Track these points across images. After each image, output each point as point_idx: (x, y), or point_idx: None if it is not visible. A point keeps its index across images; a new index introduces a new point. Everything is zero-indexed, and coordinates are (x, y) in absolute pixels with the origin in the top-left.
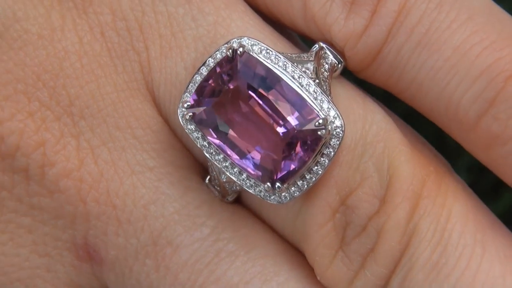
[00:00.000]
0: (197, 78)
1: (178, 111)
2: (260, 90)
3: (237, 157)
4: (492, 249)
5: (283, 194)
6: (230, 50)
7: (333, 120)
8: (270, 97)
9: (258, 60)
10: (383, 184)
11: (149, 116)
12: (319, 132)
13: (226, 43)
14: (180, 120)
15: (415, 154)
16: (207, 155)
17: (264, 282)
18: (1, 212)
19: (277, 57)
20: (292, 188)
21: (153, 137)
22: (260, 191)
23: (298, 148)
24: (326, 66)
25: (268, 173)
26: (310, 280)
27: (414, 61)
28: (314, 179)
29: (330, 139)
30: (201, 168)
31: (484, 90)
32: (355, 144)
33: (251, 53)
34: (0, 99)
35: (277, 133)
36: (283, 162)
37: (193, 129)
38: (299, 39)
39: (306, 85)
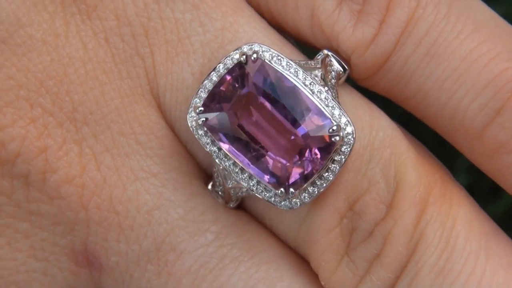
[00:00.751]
0: (207, 83)
1: (188, 116)
2: (273, 96)
3: (249, 162)
4: (495, 255)
5: (293, 200)
6: (244, 56)
7: (344, 127)
8: (283, 103)
9: (271, 66)
10: (390, 190)
11: (153, 122)
12: (332, 139)
13: (237, 49)
14: (190, 125)
15: (421, 161)
16: (216, 160)
17: (268, 287)
18: None
19: (288, 63)
20: (304, 194)
21: (157, 143)
22: (271, 197)
23: (310, 154)
24: (333, 73)
25: (280, 179)
26: (313, 286)
27: (421, 71)
28: (325, 185)
29: (342, 145)
30: (204, 174)
31: (491, 100)
32: (363, 150)
33: (263, 59)
34: (2, 105)
35: (290, 139)
36: (295, 168)
37: (203, 134)
38: (294, 45)
39: (318, 92)
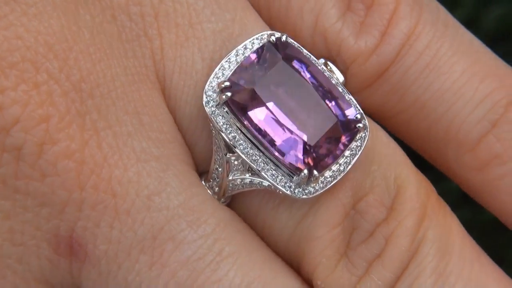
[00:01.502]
0: (225, 64)
1: (204, 94)
2: (303, 75)
3: (272, 142)
4: (487, 267)
5: (308, 188)
6: (273, 37)
7: (364, 120)
8: (313, 85)
9: (298, 50)
10: (391, 194)
11: (156, 104)
12: (357, 125)
13: (255, 37)
14: (206, 104)
15: (417, 170)
16: (231, 143)
17: (264, 285)
18: None
19: (307, 54)
20: (320, 183)
21: (158, 126)
22: (286, 183)
23: (336, 139)
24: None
25: (304, 161)
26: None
27: (420, 82)
28: (338, 176)
29: (359, 138)
30: (197, 168)
31: (487, 112)
32: (367, 152)
33: (290, 43)
34: (5, 66)
35: (322, 118)
36: (320, 151)
37: (220, 114)
38: None
39: (336, 84)
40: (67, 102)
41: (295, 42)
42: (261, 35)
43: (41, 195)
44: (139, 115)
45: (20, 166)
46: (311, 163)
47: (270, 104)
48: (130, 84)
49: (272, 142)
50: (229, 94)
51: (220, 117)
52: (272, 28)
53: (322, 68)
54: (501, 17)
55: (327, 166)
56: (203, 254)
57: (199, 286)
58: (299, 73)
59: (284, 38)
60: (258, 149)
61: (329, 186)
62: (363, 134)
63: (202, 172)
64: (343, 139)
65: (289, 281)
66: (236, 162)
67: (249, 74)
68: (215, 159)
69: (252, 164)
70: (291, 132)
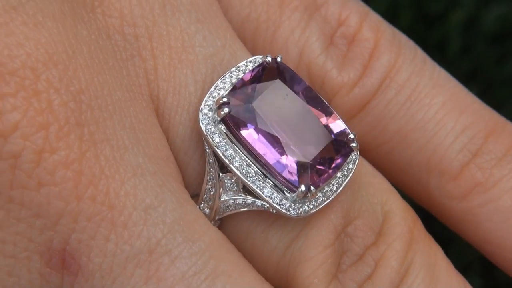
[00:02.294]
0: (220, 84)
1: (200, 113)
2: (300, 95)
3: (271, 158)
4: None
5: (302, 207)
6: (269, 58)
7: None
8: (309, 103)
9: (293, 71)
10: (379, 219)
11: (150, 122)
12: (352, 145)
13: (249, 60)
14: (201, 122)
15: (402, 199)
16: (226, 161)
17: None
18: None
19: (301, 77)
20: (313, 202)
21: (153, 144)
22: (281, 200)
23: (330, 158)
24: None
25: (303, 177)
26: None
27: (403, 113)
28: (330, 196)
29: (350, 160)
30: (188, 189)
31: (468, 142)
32: (355, 177)
33: (284, 64)
34: (5, 72)
35: (316, 139)
36: (316, 169)
37: (215, 131)
38: None
39: (328, 106)
40: (66, 111)
41: (288, 66)
42: (254, 58)
43: (36, 206)
44: (135, 131)
45: (16, 175)
46: (307, 181)
47: (267, 122)
48: (127, 100)
49: (268, 159)
50: (226, 110)
51: (216, 134)
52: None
53: (316, 91)
54: (501, 17)
55: (321, 184)
56: (199, 270)
57: None
58: (295, 92)
59: (279, 59)
60: (255, 166)
61: (322, 205)
62: (354, 157)
63: (192, 195)
64: (337, 158)
65: None
66: (229, 182)
67: (245, 93)
68: (207, 180)
69: (248, 182)
70: (288, 149)
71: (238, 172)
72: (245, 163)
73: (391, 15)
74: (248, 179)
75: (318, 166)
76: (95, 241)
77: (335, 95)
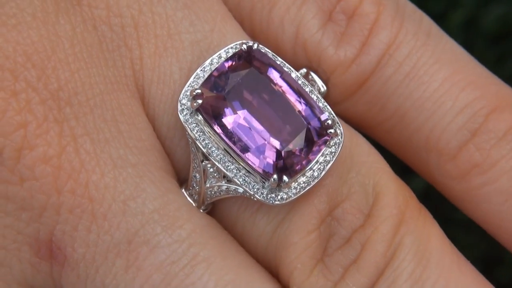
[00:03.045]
0: (200, 73)
1: (179, 102)
2: (272, 85)
3: (241, 149)
4: (467, 273)
5: (280, 194)
6: (245, 46)
7: (338, 125)
8: (283, 92)
9: (270, 58)
10: (369, 200)
11: (134, 113)
12: (329, 131)
13: (230, 46)
14: (180, 112)
15: (397, 177)
16: (204, 150)
17: None
18: None
19: (282, 62)
20: (291, 189)
21: (136, 134)
22: (258, 189)
23: (308, 145)
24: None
25: (273, 167)
26: None
27: (401, 91)
28: (311, 182)
29: (333, 144)
30: (177, 176)
31: (467, 121)
32: (344, 159)
33: (263, 51)
34: None
35: (287, 128)
36: (290, 157)
37: (193, 122)
38: None
39: (310, 92)
40: (44, 109)
41: (268, 51)
42: (235, 44)
43: (20, 200)
44: (117, 123)
45: (0, 171)
46: (282, 169)
47: (241, 111)
48: (109, 93)
49: (243, 148)
50: (200, 101)
51: (194, 124)
52: (254, 40)
53: (296, 76)
54: (501, 17)
55: (298, 172)
56: (177, 258)
57: None
58: (271, 80)
59: (255, 46)
60: (231, 155)
61: (302, 192)
62: (337, 140)
63: (184, 179)
64: (314, 146)
65: (265, 286)
66: (212, 170)
67: (222, 82)
68: (193, 167)
69: (225, 171)
70: (262, 138)
71: (215, 162)
72: (221, 153)
73: None
74: (226, 168)
75: (293, 155)
76: (77, 232)
77: (332, 73)
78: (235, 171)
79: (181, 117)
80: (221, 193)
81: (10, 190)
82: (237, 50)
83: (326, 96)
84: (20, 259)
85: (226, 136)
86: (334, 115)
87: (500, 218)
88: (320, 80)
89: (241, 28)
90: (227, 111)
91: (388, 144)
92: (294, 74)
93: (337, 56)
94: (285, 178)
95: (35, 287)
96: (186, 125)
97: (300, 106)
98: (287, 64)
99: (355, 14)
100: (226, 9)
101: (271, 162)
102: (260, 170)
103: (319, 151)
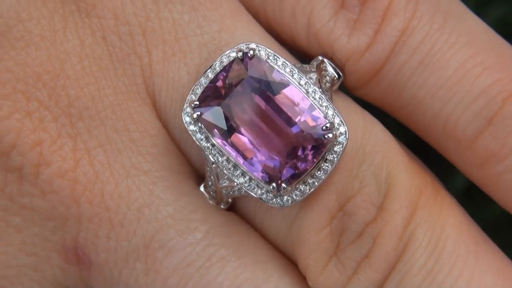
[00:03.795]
0: (203, 80)
1: (182, 112)
2: (268, 93)
3: (242, 158)
4: (484, 259)
5: (285, 197)
6: (240, 53)
7: (337, 127)
8: (278, 101)
9: (267, 64)
10: (381, 192)
11: (146, 119)
12: (326, 136)
13: (232, 50)
14: (184, 120)
15: (412, 165)
16: (210, 157)
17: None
18: None
19: (284, 63)
20: (295, 192)
21: (149, 141)
22: (262, 194)
23: (303, 152)
24: (328, 78)
25: (273, 175)
26: (300, 287)
27: (415, 79)
28: (316, 183)
29: (334, 145)
30: (196, 174)
31: (483, 109)
32: (355, 152)
33: (260, 57)
34: None
35: (284, 136)
36: (288, 165)
37: (197, 130)
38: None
39: (312, 92)
40: (57, 126)
41: (270, 51)
42: (232, 50)
43: (44, 211)
44: (129, 132)
45: (23, 185)
46: (277, 178)
47: (234, 124)
48: (120, 103)
49: (243, 157)
50: (198, 113)
51: (198, 133)
52: (271, 32)
53: (299, 76)
54: (501, 17)
55: (299, 178)
56: (192, 261)
57: None
58: (263, 91)
59: (251, 53)
60: (234, 163)
61: (307, 194)
62: (341, 140)
63: (203, 176)
64: (311, 151)
65: (281, 282)
66: (222, 172)
67: (216, 93)
68: (207, 168)
69: (231, 177)
70: (256, 149)
71: (221, 167)
72: (225, 159)
73: None
74: (231, 174)
75: (288, 163)
76: (99, 239)
77: (347, 61)
78: (239, 177)
79: (185, 125)
80: (235, 193)
81: (35, 202)
82: (232, 59)
83: (343, 83)
84: (51, 265)
85: (226, 146)
86: (338, 114)
87: None
88: (333, 69)
89: (253, 21)
90: (221, 124)
91: (409, 127)
92: (296, 75)
93: (349, 45)
94: (283, 185)
95: (68, 286)
96: (191, 133)
97: (294, 116)
98: (289, 65)
99: (368, 0)
100: (237, 2)
101: (269, 171)
102: (259, 178)
103: (319, 155)
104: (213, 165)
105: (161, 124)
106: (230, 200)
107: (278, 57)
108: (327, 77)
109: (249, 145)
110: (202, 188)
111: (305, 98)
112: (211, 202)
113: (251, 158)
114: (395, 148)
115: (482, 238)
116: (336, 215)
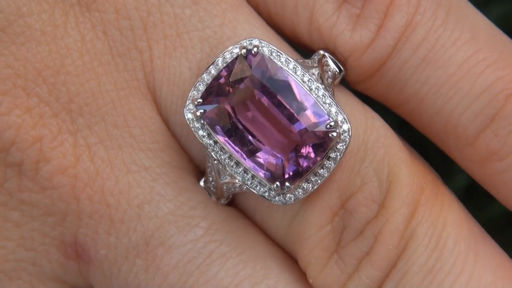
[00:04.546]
0: (205, 77)
1: (185, 109)
2: (271, 90)
3: (245, 156)
4: (484, 257)
5: (288, 195)
6: (244, 50)
7: (341, 125)
8: (281, 98)
9: (270, 60)
10: (383, 190)
11: (147, 115)
12: (329, 135)
13: (236, 43)
14: (186, 117)
15: (414, 162)
16: (212, 154)
17: (254, 284)
18: None
19: (287, 59)
20: (298, 190)
21: (150, 137)
22: (265, 192)
23: (307, 150)
24: (329, 73)
25: (276, 173)
26: (300, 284)
27: (417, 76)
28: (319, 181)
29: (338, 143)
30: (196, 170)
31: (485, 107)
32: (357, 149)
33: (262, 54)
34: None
35: (288, 133)
36: (292, 163)
37: (199, 127)
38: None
39: (316, 89)
40: (58, 122)
41: (273, 48)
42: (234, 47)
43: (44, 206)
44: (130, 128)
45: (23, 180)
46: (281, 176)
47: (237, 122)
48: (120, 99)
49: (245, 155)
50: (202, 111)
51: (200, 130)
52: (272, 24)
53: (302, 73)
54: (501, 17)
55: (302, 176)
56: (193, 257)
57: (190, 287)
58: (266, 88)
59: (255, 50)
60: (236, 160)
61: (309, 192)
62: (344, 138)
63: (203, 171)
64: (309, 151)
65: (282, 278)
66: (223, 169)
67: (219, 91)
68: (207, 164)
69: (233, 174)
70: (262, 147)
71: (223, 164)
72: (228, 157)
73: None
74: (233, 171)
75: (292, 161)
76: (98, 235)
77: (349, 57)
78: (242, 174)
79: (188, 122)
80: (236, 189)
81: (34, 197)
82: (235, 56)
83: (344, 77)
84: (50, 260)
85: (229, 143)
86: (341, 111)
87: None
88: (334, 64)
89: (255, 14)
90: (225, 122)
91: (411, 123)
92: (299, 72)
93: (352, 40)
94: (287, 184)
95: (67, 281)
96: (193, 130)
97: (297, 114)
98: (292, 61)
99: None
100: None
101: (272, 169)
102: (262, 176)
103: (322, 153)
104: (215, 161)
105: (161, 120)
106: (230, 196)
107: (281, 54)
108: (329, 72)
109: (252, 143)
110: (202, 183)
111: (308, 95)
112: (212, 197)
113: (254, 156)
114: (396, 144)
115: (482, 236)
116: (338, 212)
